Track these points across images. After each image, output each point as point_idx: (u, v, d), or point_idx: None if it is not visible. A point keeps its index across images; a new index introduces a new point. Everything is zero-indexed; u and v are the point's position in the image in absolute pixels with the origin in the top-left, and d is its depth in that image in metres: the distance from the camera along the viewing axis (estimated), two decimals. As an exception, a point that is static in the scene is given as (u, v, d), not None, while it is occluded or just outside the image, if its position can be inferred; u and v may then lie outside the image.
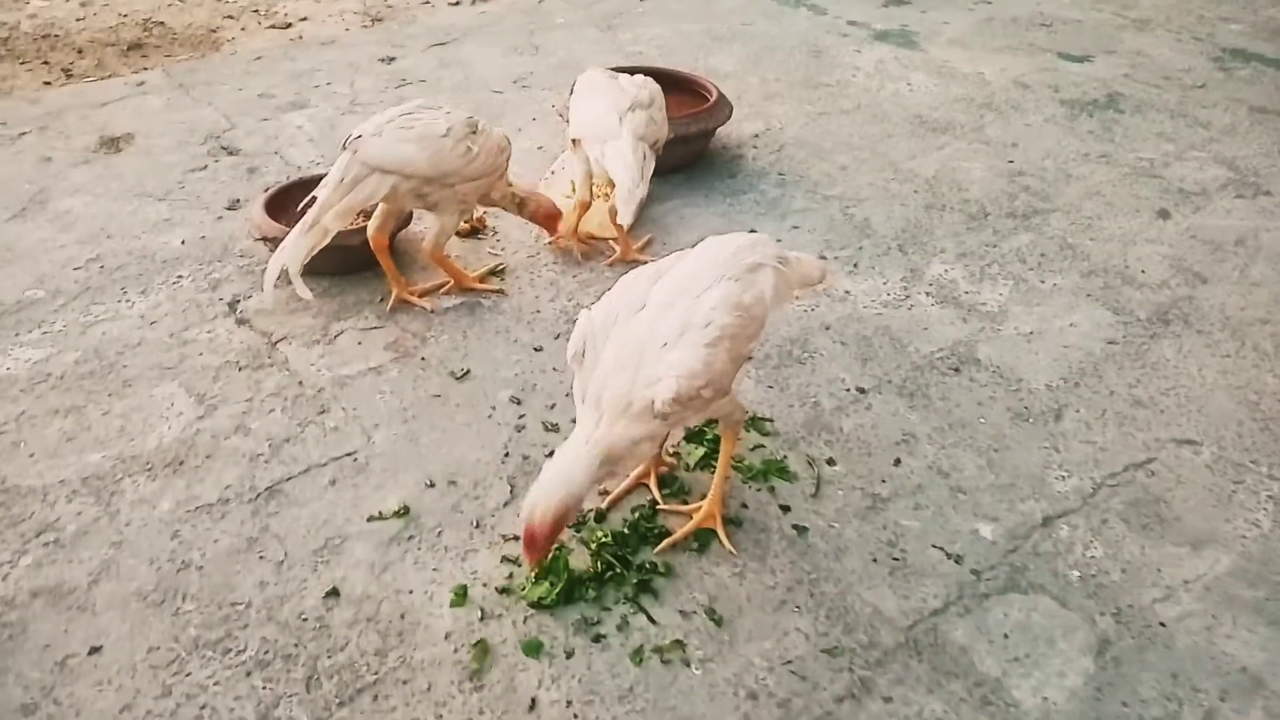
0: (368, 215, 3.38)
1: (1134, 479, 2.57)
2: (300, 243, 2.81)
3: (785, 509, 2.44)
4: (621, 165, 3.05)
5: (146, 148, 4.12)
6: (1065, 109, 4.57)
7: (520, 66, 4.98)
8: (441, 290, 3.20)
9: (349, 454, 2.57)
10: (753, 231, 3.52)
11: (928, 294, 3.26)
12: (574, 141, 3.24)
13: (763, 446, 2.61)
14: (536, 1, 5.99)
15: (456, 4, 6.07)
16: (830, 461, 2.58)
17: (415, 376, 2.84)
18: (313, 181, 3.42)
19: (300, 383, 2.82)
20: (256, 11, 6.08)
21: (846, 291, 3.25)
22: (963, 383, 2.87)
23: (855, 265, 3.40)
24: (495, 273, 3.31)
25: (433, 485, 2.48)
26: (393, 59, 5.04)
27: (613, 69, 4.12)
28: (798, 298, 2.55)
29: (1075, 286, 3.31)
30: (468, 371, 2.86)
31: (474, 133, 2.98)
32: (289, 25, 5.84)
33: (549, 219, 3.32)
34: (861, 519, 2.41)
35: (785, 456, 2.58)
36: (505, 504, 2.43)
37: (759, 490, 2.49)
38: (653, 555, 2.30)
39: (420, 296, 3.16)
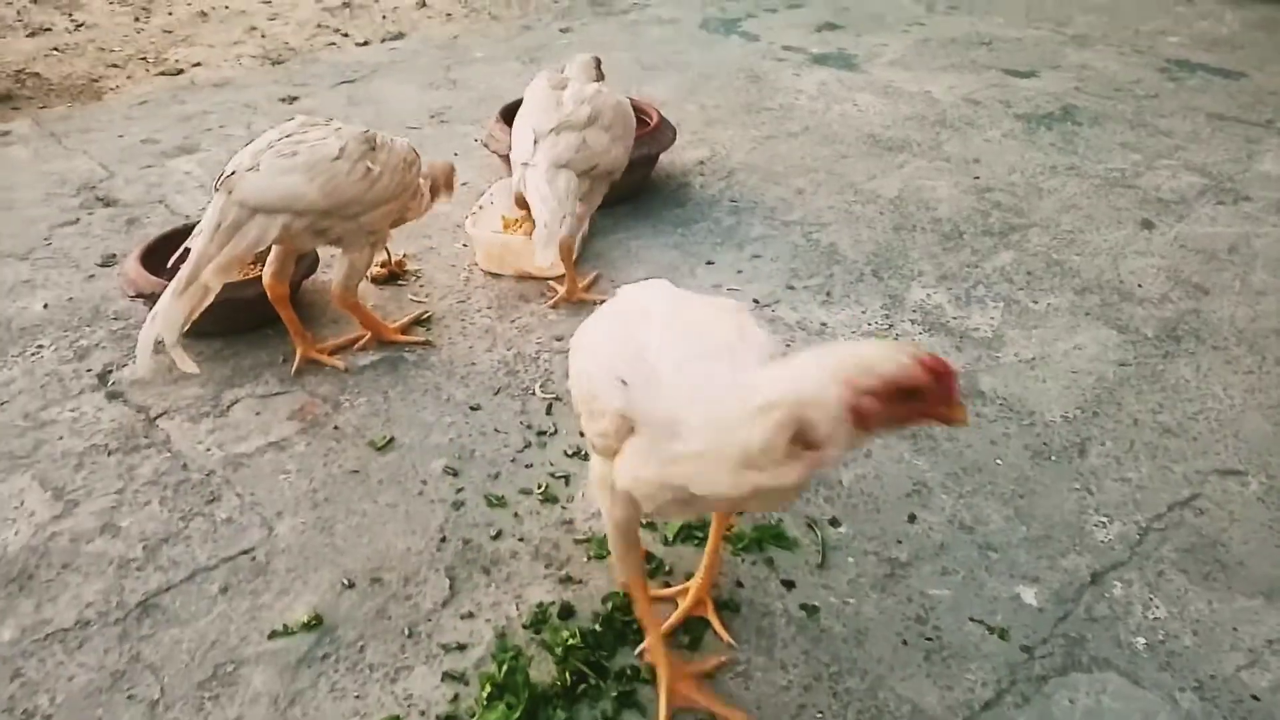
0: (262, 260, 2.91)
1: (1182, 519, 2.20)
2: (175, 307, 2.29)
3: (789, 585, 2.00)
4: (537, 198, 2.63)
5: (7, 202, 3.58)
6: (1022, 123, 4.31)
7: (438, 101, 4.56)
8: (356, 345, 2.73)
9: (245, 552, 2.07)
10: (710, 264, 3.14)
11: (913, 321, 2.89)
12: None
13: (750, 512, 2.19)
14: (452, 36, 5.60)
15: (365, 44, 5.65)
16: (834, 522, 2.16)
17: (327, 450, 2.36)
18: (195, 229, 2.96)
19: (184, 466, 2.31)
20: (144, 59, 5.57)
21: (823, 324, 2.87)
22: (969, 419, 2.49)
23: (828, 294, 3.02)
24: (420, 322, 2.85)
25: (352, 585, 1.99)
26: (295, 98, 4.58)
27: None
28: None
29: (1071, 305, 2.98)
30: (391, 440, 2.39)
31: (372, 149, 2.48)
32: (180, 71, 5.35)
33: (450, 173, 2.88)
34: (881, 591, 1.99)
35: (780, 520, 2.16)
36: (444, 603, 1.95)
37: (754, 563, 2.05)
38: (634, 657, 1.84)
39: (330, 354, 2.69)
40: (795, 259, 3.22)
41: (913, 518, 2.18)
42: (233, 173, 2.36)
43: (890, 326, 2.87)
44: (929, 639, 1.89)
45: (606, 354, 1.54)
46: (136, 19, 6.26)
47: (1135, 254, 3.27)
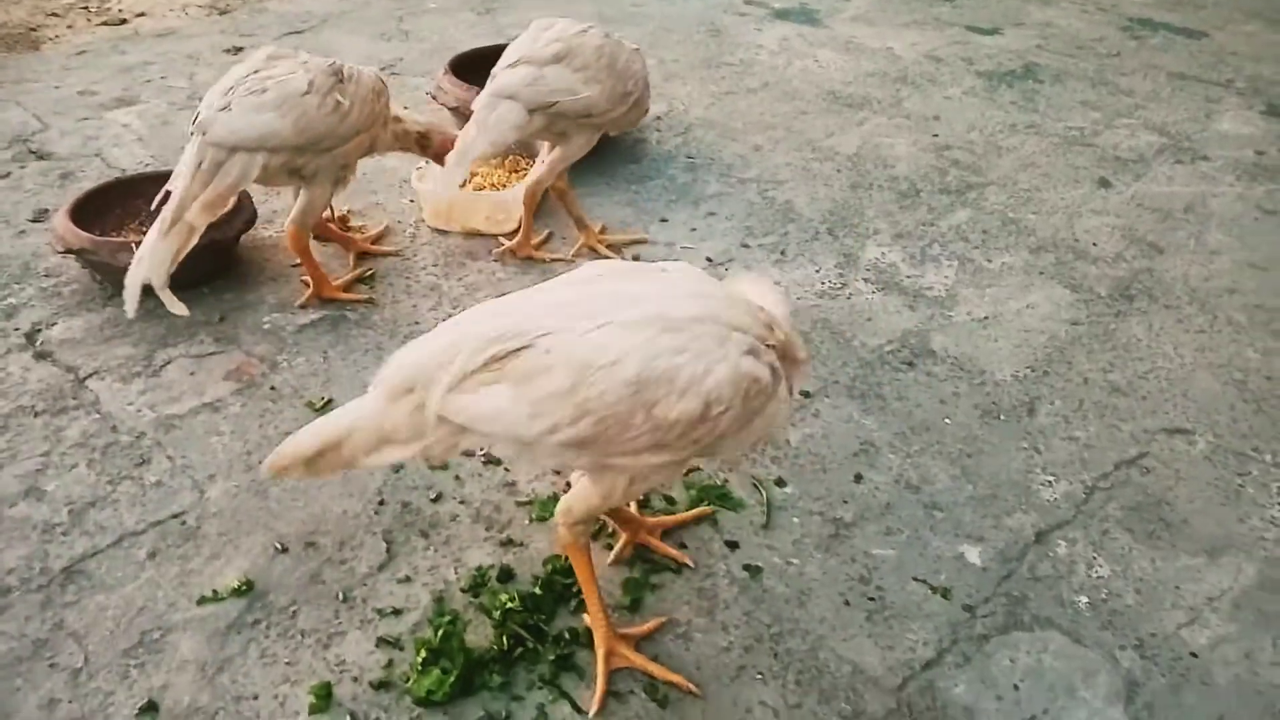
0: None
1: (1128, 478, 2.20)
2: (162, 248, 2.29)
3: (732, 545, 1.98)
4: (470, 125, 2.59)
5: (-65, 156, 3.44)
6: (983, 81, 4.27)
7: (389, 52, 4.43)
8: (298, 302, 2.66)
9: (175, 516, 2.01)
10: (664, 221, 3.08)
11: (866, 280, 2.86)
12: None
13: (697, 469, 2.15)
14: (405, -13, 5.44)
15: (316, -6, 5.47)
16: (780, 482, 2.13)
17: (263, 411, 2.29)
18: (132, 183, 2.87)
19: (114, 428, 2.23)
20: (85, 8, 5.35)
21: (776, 283, 2.83)
22: (919, 378, 2.47)
23: (782, 253, 2.98)
24: (362, 280, 2.77)
25: (284, 550, 1.94)
26: (239, 49, 4.43)
27: (475, 51, 3.65)
28: None
29: (1026, 264, 2.96)
30: (329, 401, 2.32)
31: (340, 81, 2.45)
32: (124, 21, 5.16)
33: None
34: (825, 551, 1.97)
35: (725, 480, 2.13)
36: (380, 567, 1.91)
37: (697, 524, 2.02)
38: (573, 619, 1.81)
39: (347, 290, 2.69)
40: (750, 217, 3.16)
41: (859, 477, 2.15)
42: (203, 115, 2.35)
43: (844, 285, 2.83)
44: (871, 599, 1.87)
45: None
46: (79, -34, 6.02)
47: (1091, 213, 3.25)
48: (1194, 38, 4.83)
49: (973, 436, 2.29)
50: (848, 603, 1.87)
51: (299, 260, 2.64)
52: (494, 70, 2.66)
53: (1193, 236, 3.12)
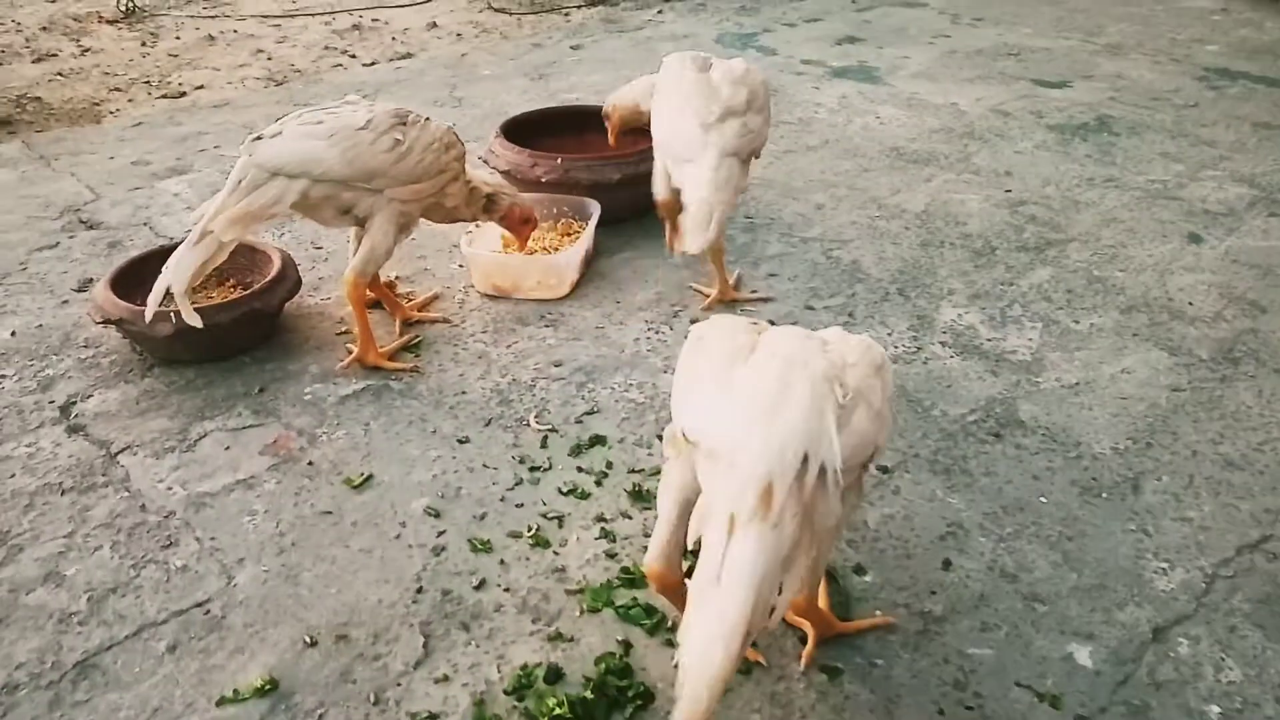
0: (242, 285, 2.73)
1: (1253, 565, 1.94)
2: (188, 257, 2.31)
3: (805, 641, 1.76)
4: (698, 187, 2.47)
5: (-12, 226, 3.43)
6: (1055, 134, 4.08)
7: (442, 118, 4.36)
8: (341, 364, 2.55)
9: (199, 604, 1.86)
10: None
11: (943, 344, 2.66)
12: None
13: (766, 555, 1.95)
14: (460, 55, 5.45)
15: (372, 64, 5.51)
16: (859, 570, 1.92)
17: (299, 488, 2.15)
18: (174, 251, 2.79)
19: (143, 506, 2.11)
20: (147, 83, 5.45)
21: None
22: (1008, 451, 2.25)
23: (850, 315, 2.79)
24: (409, 348, 2.64)
25: (314, 643, 1.77)
26: (294, 118, 4.43)
27: (528, 114, 3.58)
28: None
29: (1117, 325, 2.74)
30: (369, 477, 2.17)
31: (403, 124, 2.43)
32: (183, 94, 5.22)
33: (524, 224, 2.79)
34: (913, 650, 1.75)
35: (798, 567, 1.92)
36: (417, 664, 1.73)
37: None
38: (629, 729, 1.61)
39: (391, 360, 2.59)
40: (815, 277, 2.99)
41: (948, 564, 1.93)
42: (258, 137, 2.36)
43: (919, 349, 2.63)
44: (969, 708, 1.64)
45: None
46: (143, 43, 6.16)
47: (1183, 270, 3.02)
48: (1276, 86, 4.60)
49: (1072, 517, 2.06)
50: (942, 711, 1.64)
51: (353, 311, 2.53)
52: (688, 117, 2.55)
53: (1299, 294, 2.87)
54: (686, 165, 2.53)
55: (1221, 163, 3.78)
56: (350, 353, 2.56)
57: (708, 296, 2.84)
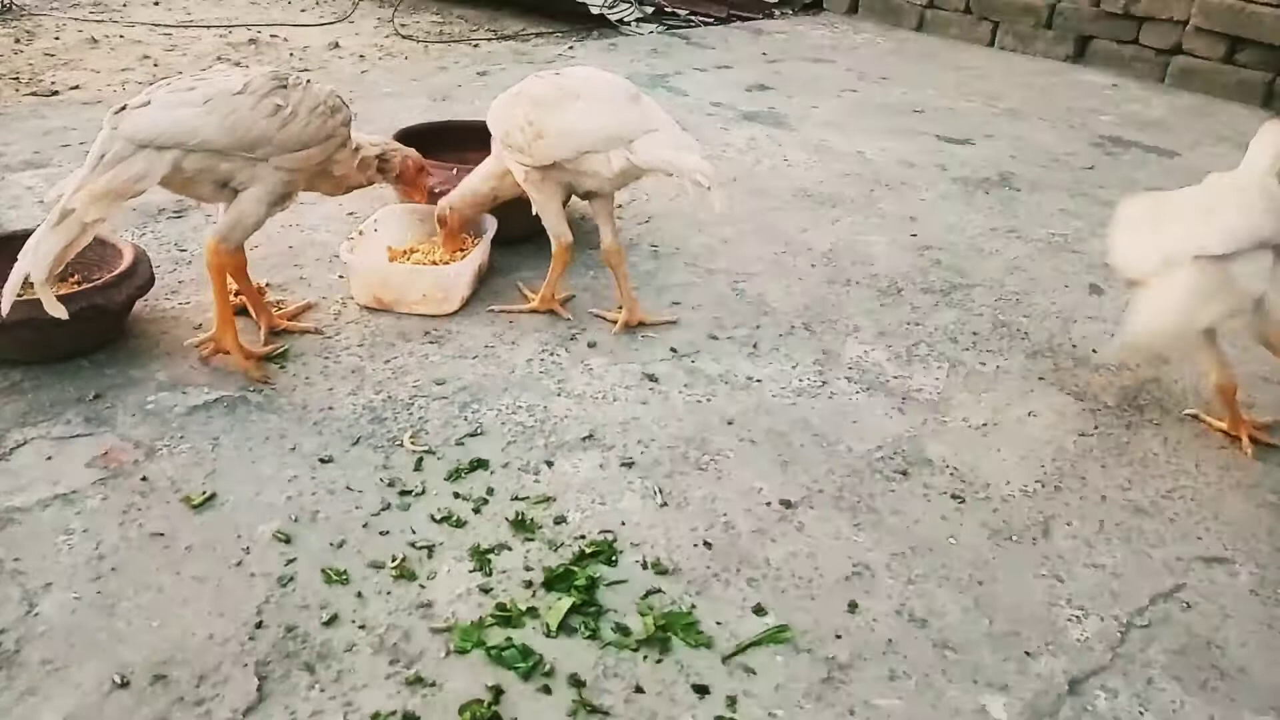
0: (87, 280, 2.45)
1: (1168, 615, 1.85)
2: (48, 241, 2.05)
3: (701, 690, 1.58)
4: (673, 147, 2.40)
5: None
6: (959, 186, 4.09)
7: (334, 132, 4.15)
8: (193, 342, 2.37)
9: (-12, 636, 1.57)
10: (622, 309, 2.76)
11: (849, 379, 2.54)
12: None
13: (659, 592, 1.76)
14: (360, 73, 5.23)
15: (266, 77, 5.24)
16: (759, 610, 1.75)
17: (128, 506, 1.87)
18: (9, 240, 2.49)
19: (-65, 521, 1.80)
20: (16, 78, 5.06)
21: (749, 377, 2.50)
22: (915, 490, 2.13)
23: (755, 346, 2.66)
24: (273, 358, 2.39)
25: (125, 684, 1.50)
26: (173, 120, 4.13)
27: (422, 125, 3.43)
28: None
29: (1023, 369, 2.67)
30: (211, 496, 1.91)
31: (283, 87, 2.22)
32: (55, 93, 4.86)
33: (419, 174, 2.64)
34: (816, 700, 1.58)
35: (693, 606, 1.74)
36: (247, 711, 1.47)
37: (657, 662, 1.62)
38: None
39: (292, 319, 2.48)
40: (720, 308, 2.86)
41: (854, 606, 1.78)
42: (123, 107, 2.11)
43: (824, 384, 2.51)
44: (877, 765, 1.48)
45: None
46: (18, 40, 5.76)
47: (1086, 318, 2.99)
48: (1165, 155, 4.74)
49: (983, 560, 1.94)
50: (847, 769, 1.47)
51: (212, 285, 2.29)
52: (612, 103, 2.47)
53: (1197, 347, 2.87)
54: (644, 138, 2.40)
55: (1118, 222, 3.83)
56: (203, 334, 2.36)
57: (613, 322, 2.68)
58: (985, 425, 2.40)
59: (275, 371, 2.34)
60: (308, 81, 2.30)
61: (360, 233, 2.72)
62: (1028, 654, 1.72)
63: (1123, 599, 1.87)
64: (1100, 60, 6.31)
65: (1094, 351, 2.79)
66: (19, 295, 2.09)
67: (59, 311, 2.06)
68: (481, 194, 2.71)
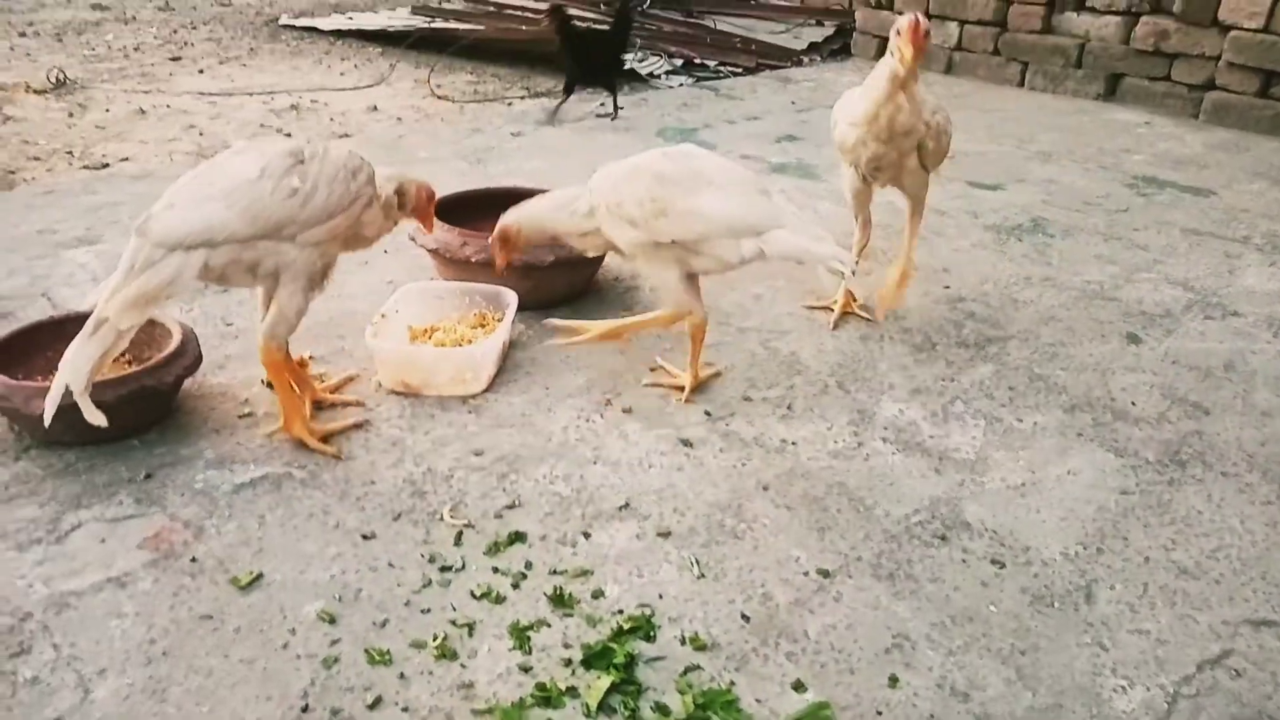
0: (137, 360, 2.53)
1: (1215, 683, 1.82)
2: (84, 350, 2.06)
3: (741, 771, 1.58)
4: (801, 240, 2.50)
5: None
6: (991, 234, 4.09)
7: (372, 198, 4.26)
8: (270, 431, 2.42)
9: (46, 724, 1.61)
10: (654, 370, 2.79)
11: (885, 440, 2.54)
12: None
13: (697, 669, 1.77)
14: (397, 137, 5.37)
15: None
16: (798, 686, 1.75)
17: (178, 588, 1.92)
18: (64, 324, 2.59)
19: (-6, 607, 1.86)
20: (69, 153, 5.25)
21: (783, 440, 2.51)
22: (954, 555, 2.12)
23: (789, 407, 2.67)
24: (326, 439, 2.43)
25: (176, 772, 1.54)
26: (218, 192, 4.26)
27: (459, 194, 3.46)
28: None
29: (1061, 424, 2.66)
30: (258, 576, 1.96)
31: (300, 163, 2.21)
32: (105, 165, 5.03)
33: (429, 202, 2.58)
34: (857, 780, 1.58)
35: (732, 683, 1.74)
36: (294, 798, 1.50)
37: (697, 740, 1.63)
38: None
39: (334, 392, 2.53)
40: (753, 368, 2.88)
41: (894, 680, 1.77)
42: (148, 216, 2.14)
43: (860, 445, 2.51)
44: None
45: None
46: (70, 114, 5.98)
47: (1124, 370, 2.97)
48: (1202, 195, 4.71)
49: (1024, 628, 1.92)
50: None
51: (273, 381, 2.37)
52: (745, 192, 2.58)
53: (1239, 396, 2.83)
54: (776, 231, 2.50)
55: (1155, 265, 3.81)
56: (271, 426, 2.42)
57: (680, 389, 2.71)
58: (1024, 485, 2.39)
59: (333, 447, 2.38)
60: (324, 148, 2.29)
61: (383, 315, 2.77)
62: (1072, 728, 1.70)
63: (1169, 667, 1.85)
64: (1132, 98, 6.30)
65: (1133, 404, 2.77)
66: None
67: (99, 420, 2.08)
68: (546, 226, 2.65)
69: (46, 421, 2.06)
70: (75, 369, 2.05)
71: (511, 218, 2.66)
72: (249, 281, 2.28)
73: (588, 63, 5.80)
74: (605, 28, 6.47)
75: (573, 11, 6.53)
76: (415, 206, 2.55)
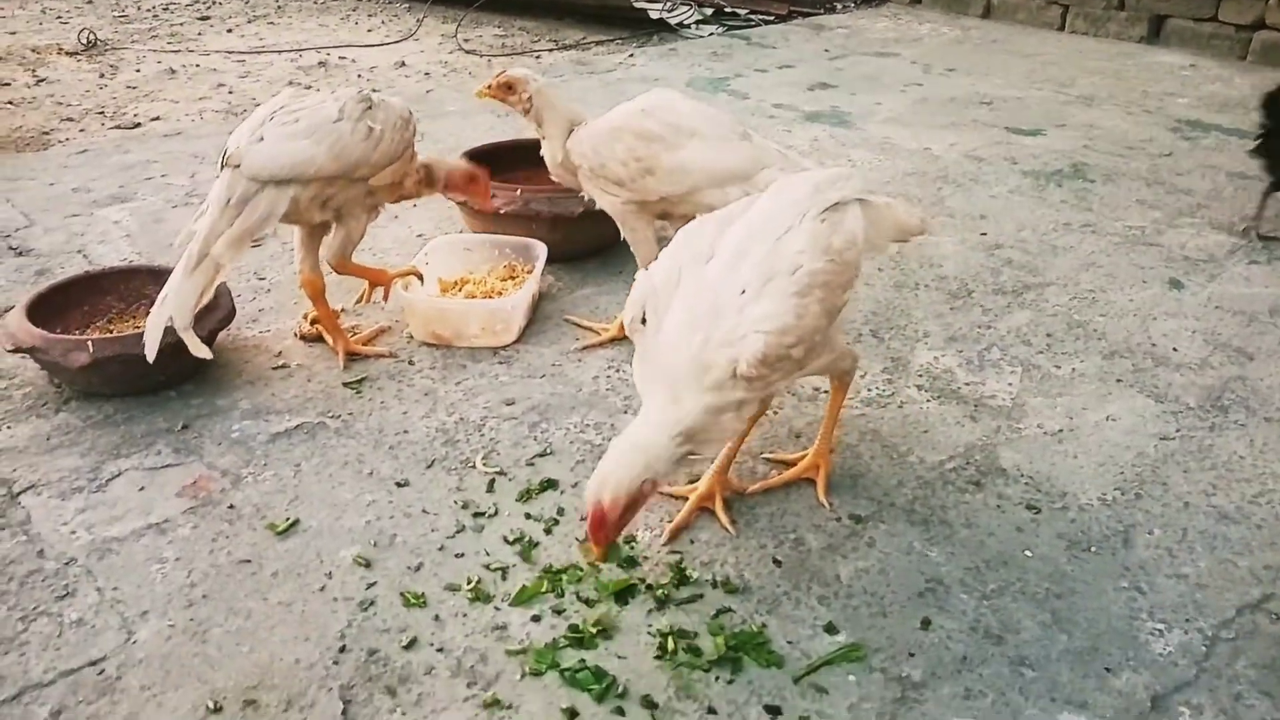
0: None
1: (1255, 627, 1.79)
2: (186, 286, 2.17)
3: (773, 711, 1.59)
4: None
5: (-89, 252, 3.23)
6: (1030, 180, 4.00)
7: (402, 153, 4.25)
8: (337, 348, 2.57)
9: (92, 663, 1.65)
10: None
11: (919, 387, 2.52)
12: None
13: (729, 611, 1.78)
14: (425, 91, 5.34)
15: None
16: (830, 629, 1.75)
17: (216, 534, 1.95)
18: (99, 278, 2.63)
19: (40, 552, 1.90)
20: (102, 113, 5.28)
21: (816, 388, 2.49)
22: (989, 501, 2.10)
23: (821, 356, 2.65)
24: (349, 385, 2.46)
25: (218, 709, 1.57)
26: (248, 149, 4.27)
27: (489, 145, 3.45)
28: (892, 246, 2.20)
29: (1100, 371, 2.61)
30: (295, 523, 1.98)
31: (370, 108, 2.37)
32: (137, 125, 5.06)
33: (470, 182, 2.69)
34: (890, 721, 1.58)
35: (763, 625, 1.75)
36: (333, 734, 1.53)
37: (729, 682, 1.64)
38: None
39: (367, 344, 2.61)
40: (784, 318, 2.85)
41: (927, 623, 1.77)
42: (236, 148, 2.26)
43: (893, 393, 2.49)
44: (953, 787, 1.47)
45: None
46: (102, 75, 6.01)
47: (1166, 315, 2.91)
48: (1249, 138, 4.56)
49: (1060, 573, 1.90)
50: (922, 791, 1.46)
51: (315, 319, 2.61)
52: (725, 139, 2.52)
53: (1284, 341, 2.77)
54: (764, 174, 2.43)
55: (1199, 210, 3.72)
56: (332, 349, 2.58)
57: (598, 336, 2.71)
58: (1061, 431, 2.35)
59: (351, 396, 2.41)
60: (384, 99, 2.43)
61: (424, 264, 2.78)
62: (1108, 670, 1.68)
63: (1207, 611, 1.82)
64: (1177, 40, 6.12)
65: (1174, 350, 2.71)
66: (108, 331, 2.19)
67: (203, 353, 2.21)
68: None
69: (150, 357, 2.14)
70: (180, 305, 2.15)
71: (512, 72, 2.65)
72: (321, 215, 2.38)
73: None
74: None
75: None
76: (453, 188, 2.68)
